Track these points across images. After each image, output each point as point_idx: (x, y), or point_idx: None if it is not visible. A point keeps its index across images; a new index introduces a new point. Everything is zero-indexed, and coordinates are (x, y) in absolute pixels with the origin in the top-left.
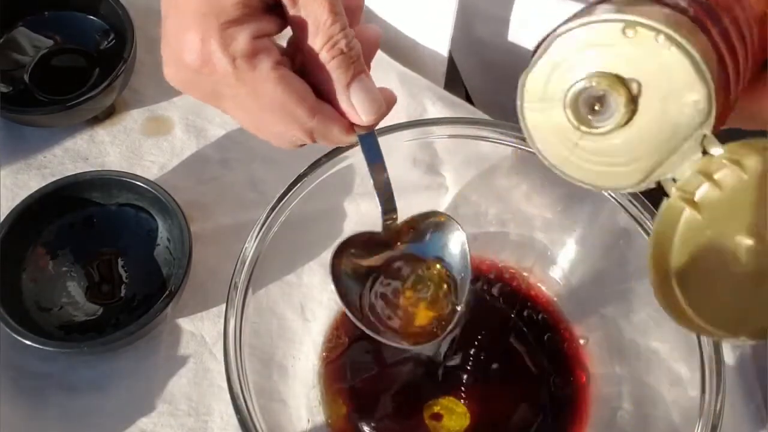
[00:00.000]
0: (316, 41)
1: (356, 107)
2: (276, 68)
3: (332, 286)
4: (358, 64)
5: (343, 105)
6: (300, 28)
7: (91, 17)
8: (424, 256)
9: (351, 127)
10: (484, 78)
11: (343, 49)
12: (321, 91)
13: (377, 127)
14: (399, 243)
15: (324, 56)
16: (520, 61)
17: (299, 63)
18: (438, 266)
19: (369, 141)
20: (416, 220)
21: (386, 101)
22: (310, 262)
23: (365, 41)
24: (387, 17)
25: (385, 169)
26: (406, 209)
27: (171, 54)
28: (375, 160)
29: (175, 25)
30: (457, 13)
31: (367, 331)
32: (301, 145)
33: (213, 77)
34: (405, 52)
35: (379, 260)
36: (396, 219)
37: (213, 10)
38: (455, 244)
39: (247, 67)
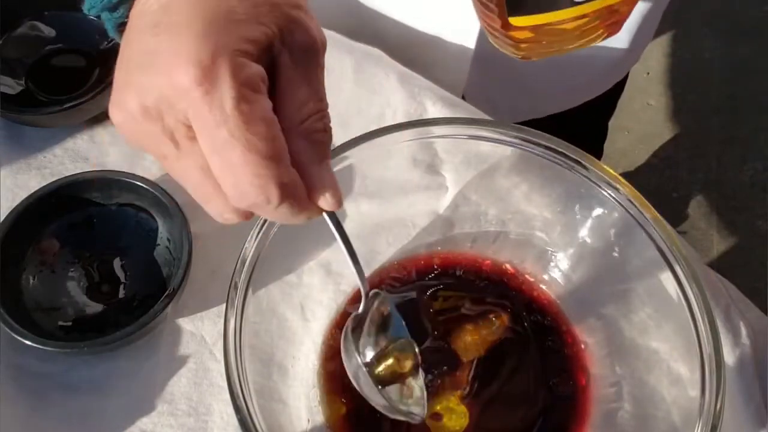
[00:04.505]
0: (307, 106)
1: (326, 186)
2: (272, 113)
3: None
4: (329, 146)
5: (315, 179)
6: (292, 88)
7: (91, 17)
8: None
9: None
10: (478, 73)
11: (329, 126)
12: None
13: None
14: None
15: (311, 125)
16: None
17: None
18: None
19: (335, 218)
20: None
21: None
22: (310, 262)
23: None
24: (404, 15)
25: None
26: (406, 209)
27: (145, 81)
28: (343, 235)
29: (167, 42)
30: None
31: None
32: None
33: (202, 101)
34: (423, 54)
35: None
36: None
37: (222, 38)
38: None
39: (253, 97)
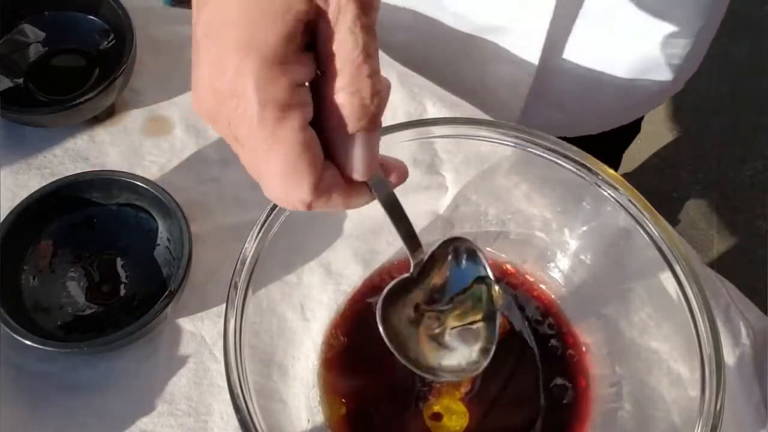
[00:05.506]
0: (338, 80)
1: (351, 161)
2: (303, 130)
3: (386, 341)
4: (374, 119)
5: (341, 154)
6: (326, 63)
7: (91, 17)
8: (463, 284)
9: (349, 193)
10: None
11: (364, 97)
12: (326, 139)
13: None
14: (431, 279)
15: (341, 98)
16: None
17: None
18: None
19: (380, 185)
20: (437, 252)
21: (398, 173)
22: (310, 262)
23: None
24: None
25: (401, 208)
26: (406, 209)
27: (201, 80)
28: (389, 202)
29: (211, 52)
30: None
31: (425, 375)
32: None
33: (235, 113)
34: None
35: (420, 301)
36: (423, 256)
37: (255, 42)
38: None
39: (276, 118)
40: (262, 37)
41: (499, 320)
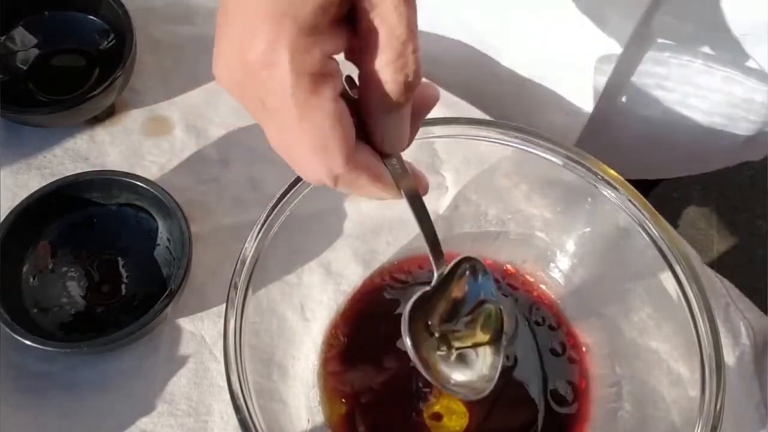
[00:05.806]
0: (382, 56)
1: (391, 132)
2: (336, 101)
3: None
4: (409, 97)
5: (379, 131)
6: (369, 38)
7: (91, 17)
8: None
9: (377, 179)
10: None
11: (409, 74)
12: (360, 114)
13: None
14: (440, 298)
15: (385, 74)
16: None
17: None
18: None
19: (408, 185)
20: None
21: (421, 183)
22: (310, 262)
23: (420, 98)
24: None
25: (426, 210)
26: (406, 209)
27: (228, 49)
28: (415, 202)
29: (241, 19)
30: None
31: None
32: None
33: (267, 84)
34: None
35: (429, 319)
36: (444, 268)
37: (290, 11)
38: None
39: (310, 88)
40: (298, 7)
41: (504, 343)
